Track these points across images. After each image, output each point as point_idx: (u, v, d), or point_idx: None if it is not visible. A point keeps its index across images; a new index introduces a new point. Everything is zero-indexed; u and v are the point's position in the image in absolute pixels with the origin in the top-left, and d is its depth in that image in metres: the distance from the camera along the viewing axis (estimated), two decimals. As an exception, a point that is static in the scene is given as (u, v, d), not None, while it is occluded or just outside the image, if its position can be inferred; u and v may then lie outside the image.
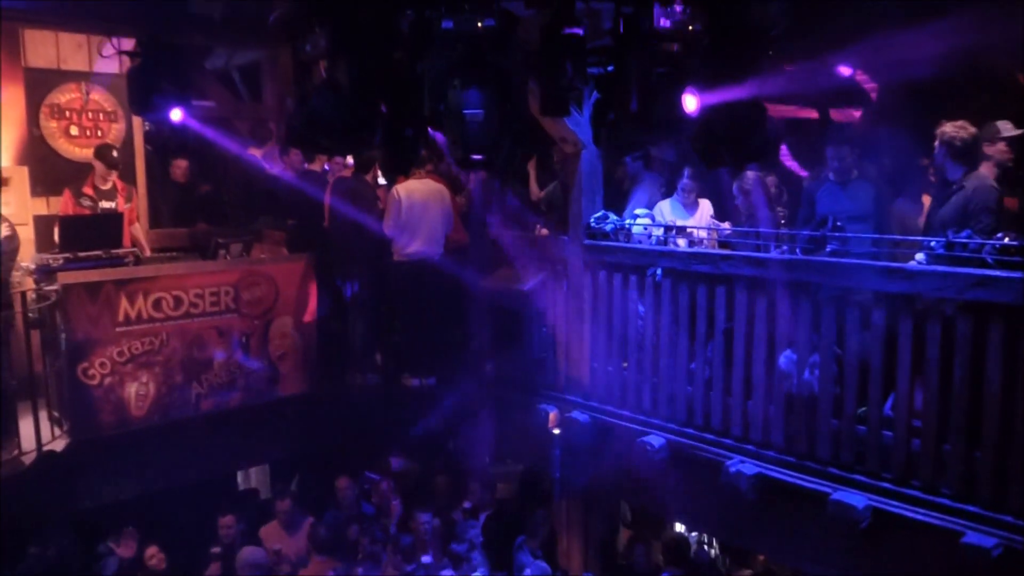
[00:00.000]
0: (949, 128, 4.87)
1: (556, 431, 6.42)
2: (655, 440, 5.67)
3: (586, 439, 6.20)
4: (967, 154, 4.86)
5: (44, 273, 5.95)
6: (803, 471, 4.98)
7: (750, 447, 5.28)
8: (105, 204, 6.84)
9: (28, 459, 5.51)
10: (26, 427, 5.57)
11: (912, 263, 4.56)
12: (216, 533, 6.85)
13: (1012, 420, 4.13)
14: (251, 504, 7.81)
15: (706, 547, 8.68)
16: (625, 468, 5.86)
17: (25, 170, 6.93)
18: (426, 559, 6.67)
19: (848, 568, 4.88)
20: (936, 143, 4.95)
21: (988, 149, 4.94)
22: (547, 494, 7.11)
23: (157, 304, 6.13)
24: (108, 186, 6.87)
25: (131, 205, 7.06)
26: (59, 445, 5.75)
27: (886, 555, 4.60)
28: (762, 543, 5.65)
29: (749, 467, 5.14)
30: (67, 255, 6.07)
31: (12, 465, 5.40)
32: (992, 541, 4.09)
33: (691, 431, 5.62)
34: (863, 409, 4.75)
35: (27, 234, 6.59)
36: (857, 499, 4.61)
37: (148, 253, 7.04)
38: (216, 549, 6.60)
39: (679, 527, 7.99)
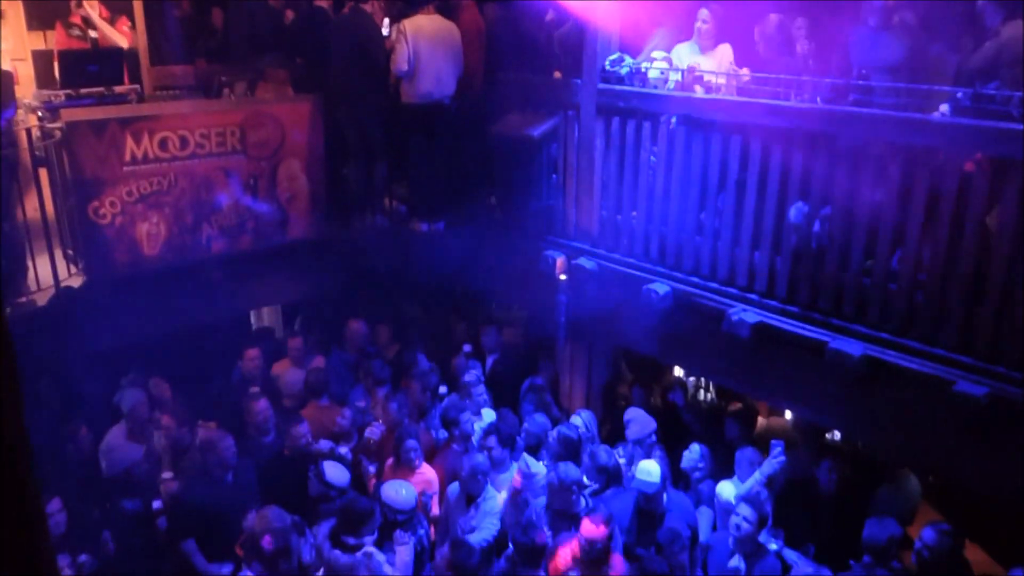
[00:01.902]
0: None
1: (563, 277, 6.50)
2: (660, 288, 5.75)
3: (592, 286, 6.29)
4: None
5: (47, 110, 5.85)
6: (804, 320, 5.07)
7: (754, 296, 5.35)
8: (92, 33, 6.64)
9: (46, 296, 5.64)
10: (42, 266, 5.67)
11: (936, 115, 4.44)
12: (231, 370, 7.11)
13: (1017, 276, 4.15)
14: (268, 341, 8.05)
15: (703, 392, 9.02)
16: (629, 314, 5.98)
17: (19, 3, 6.68)
18: (443, 389, 6.93)
19: (842, 413, 5.09)
20: None
21: None
22: (552, 338, 7.30)
23: (163, 144, 6.07)
24: (92, 13, 6.64)
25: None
26: (75, 282, 5.87)
27: (879, 402, 4.77)
28: (760, 388, 5.84)
29: (751, 315, 5.24)
30: (68, 92, 5.95)
31: (30, 302, 5.53)
32: (983, 390, 4.22)
33: (696, 280, 5.69)
34: (869, 262, 4.78)
35: (27, 71, 6.43)
36: (854, 347, 4.72)
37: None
38: (255, 388, 6.79)
39: (678, 371, 8.26)
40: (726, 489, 5.47)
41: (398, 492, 5.16)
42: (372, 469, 5.96)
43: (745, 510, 4.81)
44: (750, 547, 4.81)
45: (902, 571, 4.65)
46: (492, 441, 5.71)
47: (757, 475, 5.24)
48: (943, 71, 5.16)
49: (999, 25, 4.58)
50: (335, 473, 5.35)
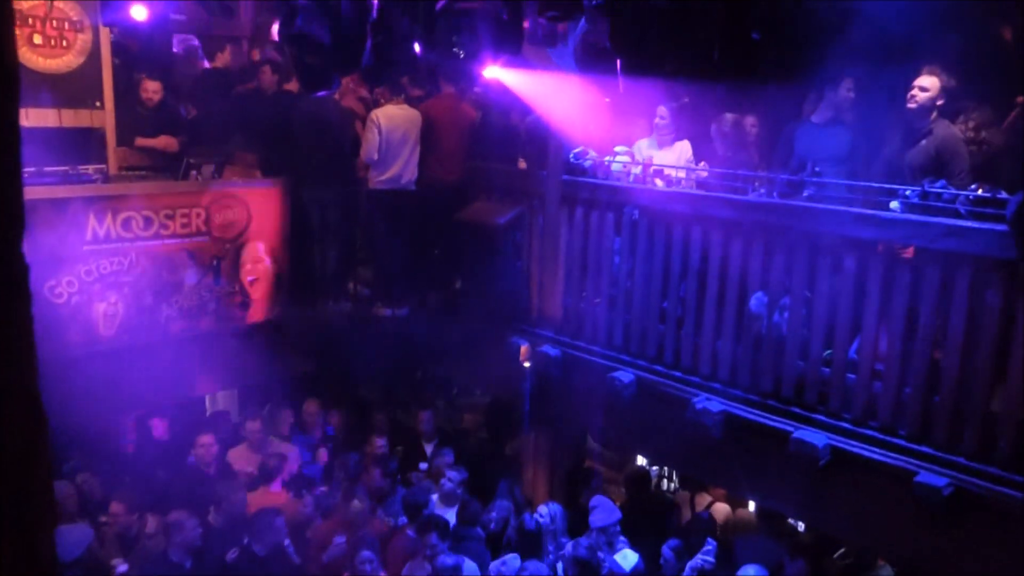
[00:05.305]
0: (941, 77, 4.84)
1: (527, 364, 6.48)
2: (624, 376, 5.76)
3: (556, 373, 6.28)
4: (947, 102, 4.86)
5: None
6: (767, 410, 5.11)
7: (717, 385, 5.39)
8: None
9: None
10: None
11: (887, 211, 4.62)
12: (184, 454, 6.86)
13: (972, 367, 4.26)
14: (223, 425, 7.82)
15: (666, 481, 8.94)
16: (594, 402, 5.96)
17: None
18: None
19: (806, 503, 5.06)
20: (920, 88, 4.90)
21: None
22: (515, 425, 7.22)
23: (126, 224, 6.02)
24: None
25: None
26: (26, 363, 5.68)
27: (842, 492, 4.77)
28: (724, 478, 5.81)
29: (715, 404, 5.26)
30: (31, 169, 5.90)
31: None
32: (943, 481, 4.26)
33: (660, 368, 5.72)
34: (829, 352, 4.87)
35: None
36: (817, 438, 4.75)
37: None
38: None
39: (641, 460, 8.19)
40: None
41: None
42: None
43: None
44: None
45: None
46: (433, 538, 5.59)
47: (686, 568, 5.19)
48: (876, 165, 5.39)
49: (929, 124, 4.84)
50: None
